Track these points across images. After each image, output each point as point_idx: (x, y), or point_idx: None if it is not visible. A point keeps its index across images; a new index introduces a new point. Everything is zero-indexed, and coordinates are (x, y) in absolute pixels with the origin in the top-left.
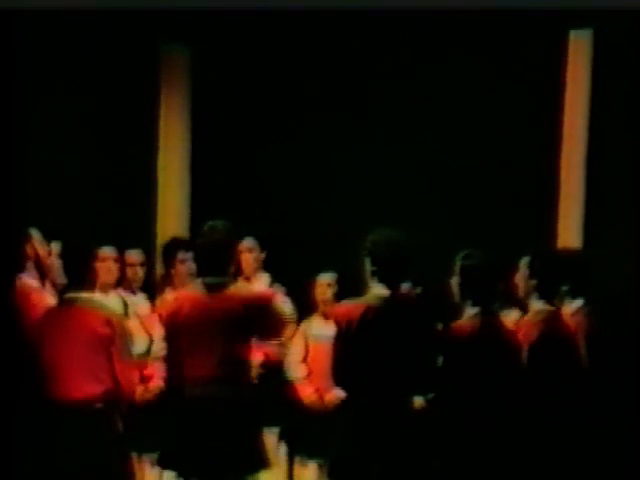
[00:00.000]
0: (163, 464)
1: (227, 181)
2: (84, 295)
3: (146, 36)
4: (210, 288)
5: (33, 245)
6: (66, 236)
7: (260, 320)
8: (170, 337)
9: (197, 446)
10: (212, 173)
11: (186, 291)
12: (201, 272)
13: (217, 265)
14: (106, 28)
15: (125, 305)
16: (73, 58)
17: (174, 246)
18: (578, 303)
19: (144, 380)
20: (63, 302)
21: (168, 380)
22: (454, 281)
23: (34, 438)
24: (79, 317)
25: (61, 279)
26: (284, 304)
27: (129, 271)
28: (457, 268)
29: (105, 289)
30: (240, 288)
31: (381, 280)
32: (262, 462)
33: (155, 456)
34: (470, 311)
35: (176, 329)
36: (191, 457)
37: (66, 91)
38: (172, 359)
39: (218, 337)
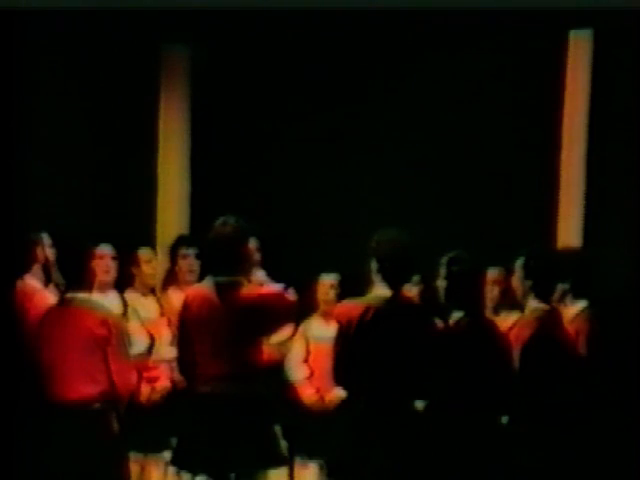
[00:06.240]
0: (177, 464)
1: (227, 181)
2: (81, 295)
3: (147, 36)
4: (221, 288)
5: (43, 249)
6: (65, 236)
7: (270, 318)
8: (181, 336)
9: (210, 444)
10: (212, 173)
11: (195, 289)
12: (210, 270)
13: (228, 263)
14: (106, 28)
15: (125, 305)
16: (73, 58)
17: (178, 243)
18: (581, 304)
19: (149, 381)
20: (61, 302)
21: (183, 379)
22: (440, 285)
23: (31, 439)
24: (75, 318)
25: (59, 279)
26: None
27: (143, 267)
28: (443, 273)
29: (103, 288)
30: (251, 288)
31: (384, 280)
32: (276, 458)
33: (158, 456)
34: (456, 314)
35: (186, 328)
36: (204, 455)
37: (66, 91)
38: (183, 358)
39: (228, 336)
